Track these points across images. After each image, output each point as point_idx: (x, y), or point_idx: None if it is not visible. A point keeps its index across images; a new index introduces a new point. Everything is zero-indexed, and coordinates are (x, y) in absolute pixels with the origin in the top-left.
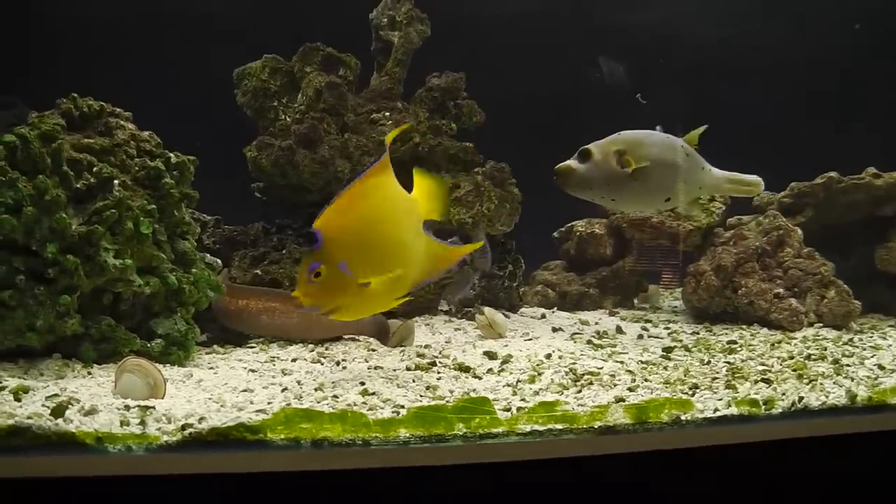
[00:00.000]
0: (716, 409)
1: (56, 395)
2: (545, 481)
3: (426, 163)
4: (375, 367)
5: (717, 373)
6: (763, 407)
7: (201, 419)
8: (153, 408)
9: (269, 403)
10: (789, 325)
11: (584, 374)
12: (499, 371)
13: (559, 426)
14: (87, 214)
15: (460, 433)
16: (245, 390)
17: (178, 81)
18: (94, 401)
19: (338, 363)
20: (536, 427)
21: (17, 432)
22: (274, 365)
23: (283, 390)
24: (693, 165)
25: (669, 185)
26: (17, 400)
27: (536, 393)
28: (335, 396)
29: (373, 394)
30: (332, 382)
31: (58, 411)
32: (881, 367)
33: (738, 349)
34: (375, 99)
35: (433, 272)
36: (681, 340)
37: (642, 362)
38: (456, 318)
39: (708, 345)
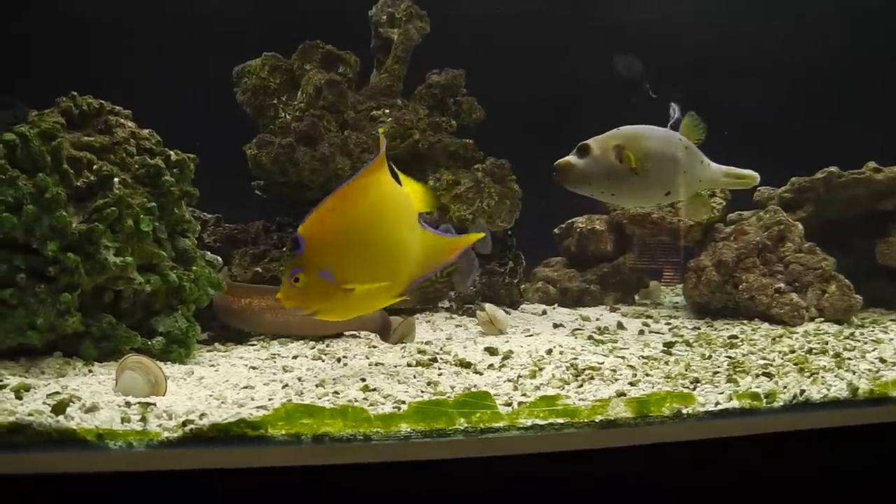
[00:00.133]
0: (717, 403)
1: (57, 392)
2: (546, 475)
3: (426, 160)
4: (376, 364)
5: (719, 367)
6: (764, 400)
7: (202, 415)
8: (154, 404)
9: (270, 400)
10: (790, 320)
11: (585, 369)
12: (500, 367)
13: (560, 420)
14: (87, 212)
15: (461, 428)
16: (246, 387)
17: (178, 80)
18: (95, 398)
19: (339, 360)
20: (538, 421)
21: (17, 429)
22: (275, 362)
23: (283, 387)
24: (692, 159)
25: (669, 178)
26: (19, 398)
27: (537, 388)
28: (336, 393)
29: (374, 390)
30: (333, 379)
31: (59, 408)
32: (883, 361)
33: (740, 344)
34: (375, 96)
35: (432, 266)
36: (682, 336)
37: (643, 357)
38: (457, 314)
39: (709, 340)
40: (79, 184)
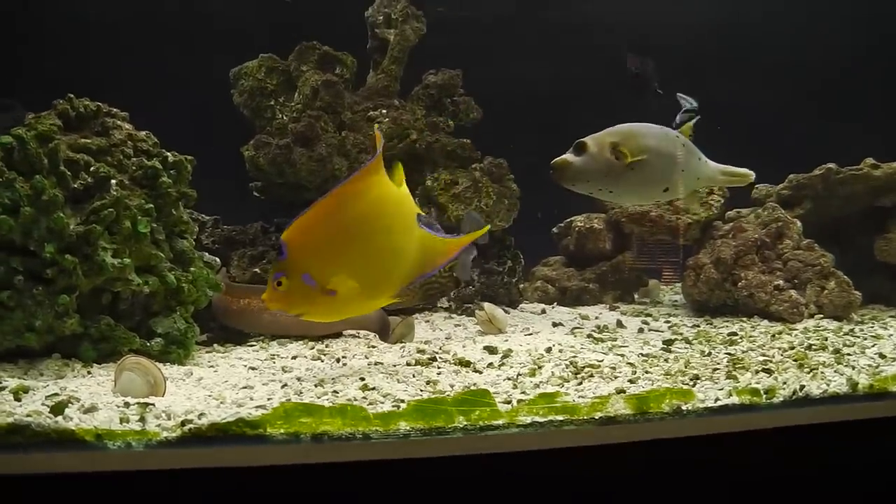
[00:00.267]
0: (717, 399)
1: (56, 394)
2: (546, 472)
3: (423, 160)
4: (375, 363)
5: (718, 364)
6: (764, 396)
7: (201, 415)
8: (153, 405)
9: (269, 399)
10: (790, 317)
11: (584, 367)
12: (499, 365)
13: (560, 417)
14: (84, 214)
15: (461, 426)
16: (245, 387)
17: (176, 82)
18: (94, 399)
19: (338, 360)
20: (537, 418)
21: (16, 430)
22: (274, 362)
23: (282, 386)
24: (689, 156)
25: (666, 175)
26: (17, 400)
27: (537, 386)
28: (335, 392)
29: (373, 389)
30: (333, 378)
31: (57, 409)
32: (882, 356)
33: (739, 341)
34: (372, 97)
35: (429, 266)
36: (681, 333)
37: (643, 355)
38: (456, 314)
39: (708, 337)
40: (76, 186)
